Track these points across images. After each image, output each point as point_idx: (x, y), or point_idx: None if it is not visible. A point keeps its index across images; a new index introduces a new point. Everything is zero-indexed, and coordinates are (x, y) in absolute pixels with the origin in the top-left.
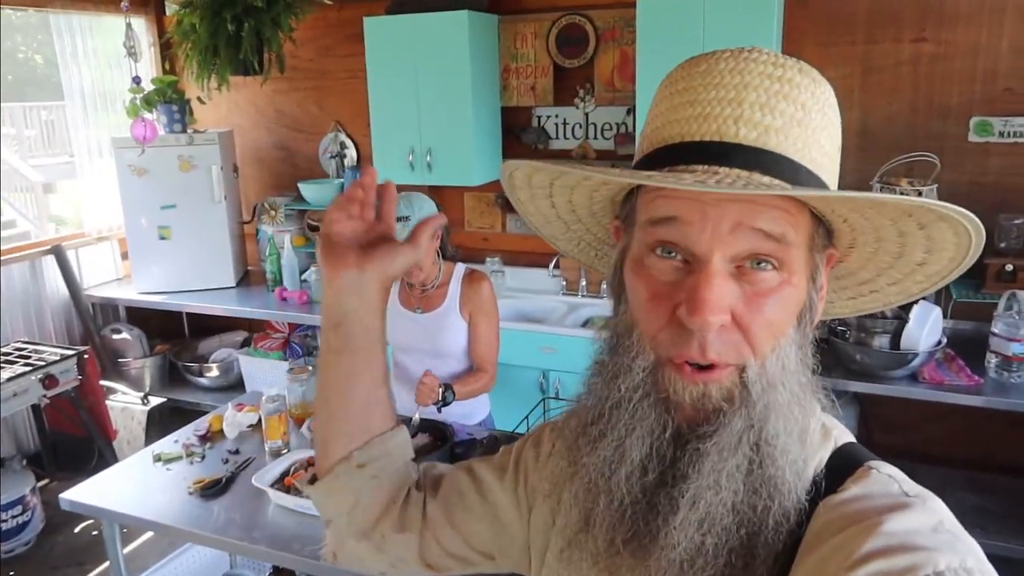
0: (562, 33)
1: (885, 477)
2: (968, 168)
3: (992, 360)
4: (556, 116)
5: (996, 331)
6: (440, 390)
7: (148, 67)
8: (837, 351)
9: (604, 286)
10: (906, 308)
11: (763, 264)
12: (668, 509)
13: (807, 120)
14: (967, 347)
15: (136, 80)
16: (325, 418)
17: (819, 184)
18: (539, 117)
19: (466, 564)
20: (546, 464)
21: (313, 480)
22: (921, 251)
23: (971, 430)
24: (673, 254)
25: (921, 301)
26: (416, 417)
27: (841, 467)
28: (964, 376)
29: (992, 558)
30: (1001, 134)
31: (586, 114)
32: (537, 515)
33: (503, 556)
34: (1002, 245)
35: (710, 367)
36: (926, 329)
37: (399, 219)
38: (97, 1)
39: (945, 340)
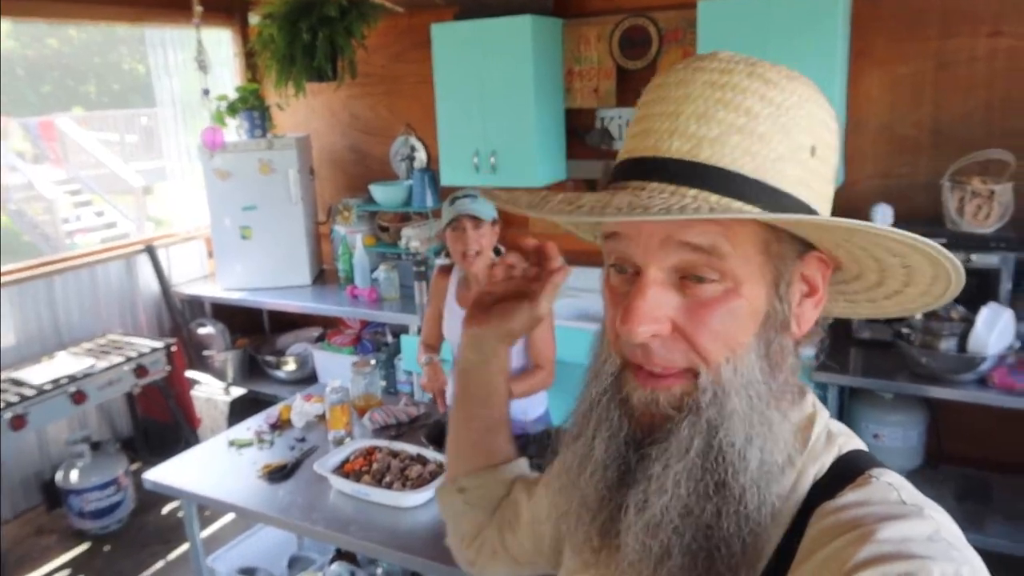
0: (625, 35)
1: (884, 485)
2: None
3: None
4: (619, 117)
5: None
6: None
7: (233, 76)
8: (902, 354)
9: None
10: (974, 310)
11: (703, 278)
12: (623, 511)
13: (751, 126)
14: None
15: (205, 92)
16: (450, 442)
17: (760, 189)
18: (602, 119)
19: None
20: None
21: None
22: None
23: None
24: (626, 268)
25: (990, 302)
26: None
27: (843, 474)
28: None
29: None
30: None
31: None
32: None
33: (541, 558)
34: None
35: (661, 375)
36: (995, 332)
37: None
38: (184, 17)
39: (1019, 344)
